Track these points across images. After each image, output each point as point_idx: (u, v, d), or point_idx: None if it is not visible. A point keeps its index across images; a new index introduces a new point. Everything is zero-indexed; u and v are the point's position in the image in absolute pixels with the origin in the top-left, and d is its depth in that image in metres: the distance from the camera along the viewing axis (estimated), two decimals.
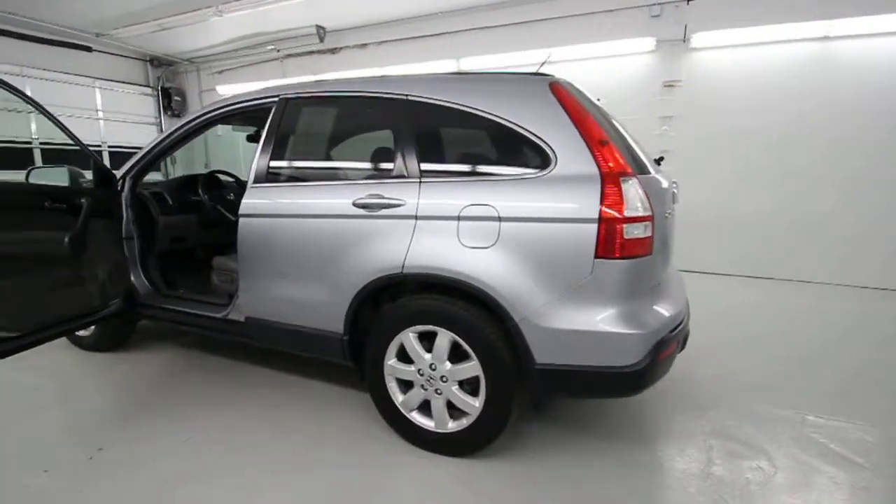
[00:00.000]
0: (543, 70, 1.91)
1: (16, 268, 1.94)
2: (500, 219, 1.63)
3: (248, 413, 2.21)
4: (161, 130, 8.29)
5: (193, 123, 2.47)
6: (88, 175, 2.46)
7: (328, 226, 1.95)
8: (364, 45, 6.61)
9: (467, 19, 5.88)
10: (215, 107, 2.43)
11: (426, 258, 1.73)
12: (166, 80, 8.14)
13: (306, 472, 1.80)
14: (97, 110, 7.30)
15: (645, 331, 1.56)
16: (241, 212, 2.13)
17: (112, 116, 7.46)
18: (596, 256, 1.52)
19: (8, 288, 1.90)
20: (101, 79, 7.30)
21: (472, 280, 1.65)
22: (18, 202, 2.00)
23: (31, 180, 2.32)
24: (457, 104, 1.80)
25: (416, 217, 1.77)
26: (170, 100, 8.12)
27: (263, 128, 2.20)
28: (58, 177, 2.32)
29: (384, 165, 1.93)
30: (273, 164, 2.14)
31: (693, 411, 2.22)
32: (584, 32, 5.20)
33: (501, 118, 1.72)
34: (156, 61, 7.92)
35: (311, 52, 6.93)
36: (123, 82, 7.63)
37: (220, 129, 8.13)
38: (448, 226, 1.71)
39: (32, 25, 6.13)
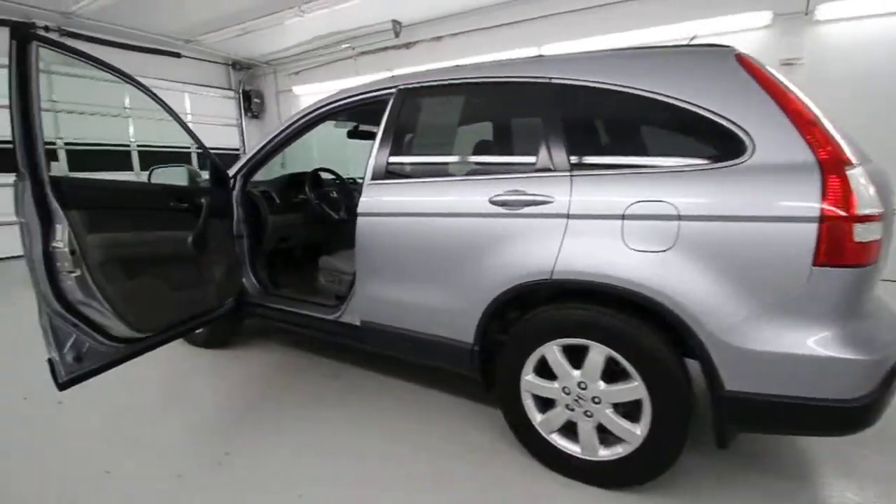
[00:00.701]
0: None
1: (145, 268, 1.94)
2: (679, 217, 1.38)
3: (363, 420, 2.11)
4: (242, 132, 8.63)
5: (303, 121, 2.41)
6: (202, 174, 2.46)
7: (459, 225, 1.78)
8: (439, 38, 6.48)
9: (547, 4, 5.58)
10: (325, 102, 2.34)
11: (583, 263, 1.51)
12: (246, 83, 8.46)
13: (433, 488, 1.66)
14: (186, 114, 7.70)
15: (875, 356, 1.26)
16: (359, 210, 2.01)
17: (199, 119, 7.85)
18: (814, 263, 1.24)
19: (138, 288, 1.89)
20: (190, 83, 7.69)
21: (643, 289, 1.41)
22: (148, 202, 2.01)
23: (154, 180, 2.35)
24: (614, 85, 1.56)
25: (567, 216, 1.56)
26: (250, 102, 8.44)
27: (380, 121, 2.07)
28: (178, 176, 2.34)
29: (525, 158, 1.73)
30: (393, 159, 2.01)
31: (889, 444, 1.85)
32: (686, 10, 4.74)
33: (673, 98, 1.46)
34: (237, 65, 8.24)
35: (386, 49, 6.90)
36: (208, 86, 8.01)
37: None
38: (610, 226, 1.48)
39: (129, 34, 6.53)
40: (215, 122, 8.18)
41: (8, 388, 2.49)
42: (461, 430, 2.02)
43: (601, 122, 1.71)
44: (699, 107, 1.42)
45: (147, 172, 2.37)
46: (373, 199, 2.00)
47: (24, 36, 1.52)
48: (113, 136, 6.90)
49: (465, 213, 1.77)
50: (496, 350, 1.80)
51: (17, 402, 2.34)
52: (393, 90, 2.09)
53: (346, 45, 6.96)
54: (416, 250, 1.89)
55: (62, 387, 1.66)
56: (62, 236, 1.58)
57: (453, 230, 1.81)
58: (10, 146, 1.57)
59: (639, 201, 1.44)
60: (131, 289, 1.83)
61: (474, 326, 1.78)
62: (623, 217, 1.46)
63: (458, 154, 2.08)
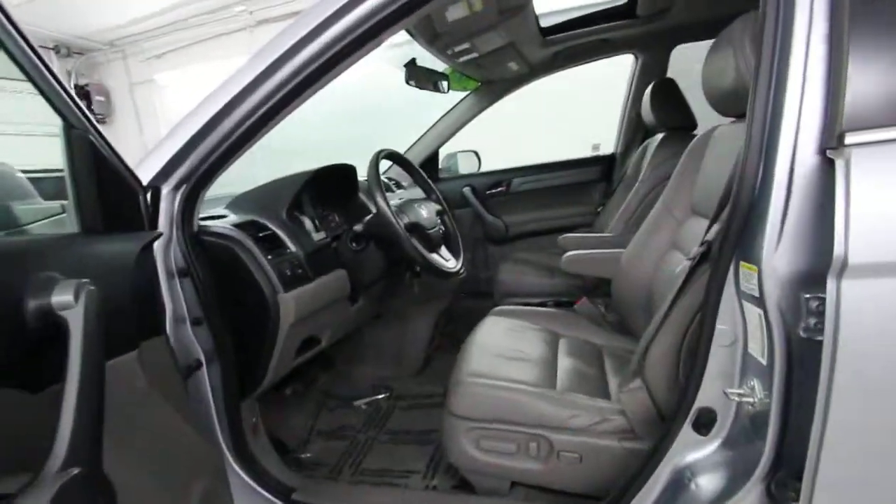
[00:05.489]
0: None
1: None
2: None
3: None
4: None
5: None
6: None
7: None
8: None
9: None
10: None
11: None
12: (81, 74, 5.89)
13: None
14: None
15: None
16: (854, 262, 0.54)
17: (6, 129, 5.18)
18: None
19: None
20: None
21: None
22: None
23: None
24: None
25: None
26: (89, 101, 5.89)
27: None
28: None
29: None
30: None
31: None
32: None
33: None
34: (62, 48, 5.64)
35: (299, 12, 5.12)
36: (15, 80, 5.33)
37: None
38: None
39: None
40: (35, 133, 5.50)
41: None
42: None
43: None
44: None
45: None
46: None
47: None
48: None
49: None
50: None
51: None
52: None
53: (242, 8, 4.99)
54: None
55: None
56: None
57: None
58: None
59: None
60: None
61: None
62: None
63: None
